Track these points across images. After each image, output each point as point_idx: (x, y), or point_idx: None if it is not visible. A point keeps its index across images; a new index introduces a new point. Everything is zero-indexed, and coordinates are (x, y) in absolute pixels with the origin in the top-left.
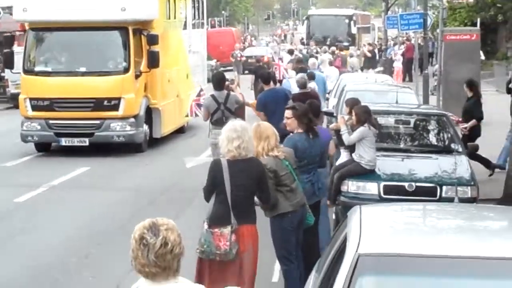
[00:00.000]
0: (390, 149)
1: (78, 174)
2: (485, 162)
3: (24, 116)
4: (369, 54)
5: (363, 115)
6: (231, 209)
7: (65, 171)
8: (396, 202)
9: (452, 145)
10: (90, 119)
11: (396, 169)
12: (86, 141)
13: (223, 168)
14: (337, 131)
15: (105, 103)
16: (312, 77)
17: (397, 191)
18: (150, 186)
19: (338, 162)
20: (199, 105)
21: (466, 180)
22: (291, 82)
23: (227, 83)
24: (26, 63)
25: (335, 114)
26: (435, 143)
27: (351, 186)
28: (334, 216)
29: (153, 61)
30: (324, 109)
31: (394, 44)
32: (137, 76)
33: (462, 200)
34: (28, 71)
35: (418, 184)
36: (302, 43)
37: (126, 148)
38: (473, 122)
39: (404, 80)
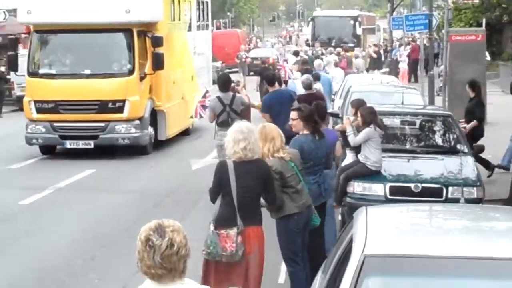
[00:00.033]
0: (395, 150)
1: (84, 176)
2: (485, 163)
3: (28, 118)
4: (374, 55)
5: (368, 116)
6: (237, 210)
7: (71, 173)
8: (402, 203)
9: (458, 146)
10: (95, 122)
11: (402, 170)
12: (91, 144)
13: (229, 170)
14: (343, 132)
15: (110, 105)
16: (317, 78)
17: (403, 192)
18: (155, 188)
19: (343, 163)
20: (204, 107)
21: (472, 180)
22: (296, 83)
23: (233, 84)
24: (30, 65)
25: (340, 115)
26: (441, 144)
27: (357, 187)
28: (340, 217)
29: (158, 63)
30: (329, 110)
31: (400, 45)
32: (141, 78)
33: (468, 201)
34: (32, 74)
35: (424, 185)
36: (307, 45)
37: (131, 150)
38: (473, 123)
39: (409, 81)
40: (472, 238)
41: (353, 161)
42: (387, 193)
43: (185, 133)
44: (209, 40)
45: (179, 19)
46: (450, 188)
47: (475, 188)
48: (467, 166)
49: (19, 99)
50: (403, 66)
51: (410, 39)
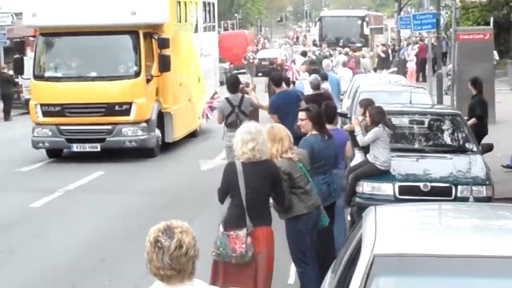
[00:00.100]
0: (404, 150)
1: (93, 178)
2: None
3: (35, 122)
4: (383, 55)
5: (377, 115)
6: (246, 211)
7: (80, 175)
8: (411, 203)
9: (467, 145)
10: (102, 124)
11: (411, 169)
12: (97, 147)
13: (237, 171)
14: (351, 132)
15: (117, 108)
16: (325, 78)
17: (412, 192)
18: (164, 190)
19: (352, 163)
20: (211, 108)
21: (481, 179)
22: (304, 84)
23: (241, 86)
24: (36, 68)
25: (349, 115)
26: (450, 143)
27: (366, 187)
28: (349, 217)
29: (164, 65)
30: (338, 110)
31: (408, 45)
32: (148, 80)
33: (477, 200)
34: (38, 77)
35: (433, 184)
36: (315, 45)
37: (138, 153)
38: (472, 120)
39: (417, 80)
40: (482, 237)
41: (362, 161)
42: (396, 192)
43: (193, 135)
44: (216, 42)
45: (185, 21)
46: (459, 187)
47: (484, 187)
48: (476, 165)
49: (28, 102)
50: (411, 66)
51: (418, 38)
